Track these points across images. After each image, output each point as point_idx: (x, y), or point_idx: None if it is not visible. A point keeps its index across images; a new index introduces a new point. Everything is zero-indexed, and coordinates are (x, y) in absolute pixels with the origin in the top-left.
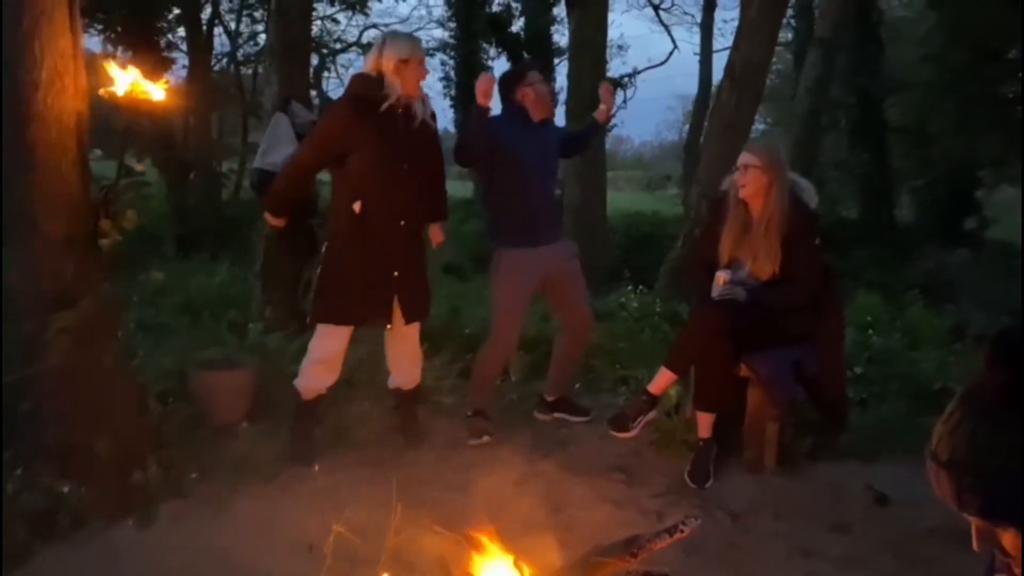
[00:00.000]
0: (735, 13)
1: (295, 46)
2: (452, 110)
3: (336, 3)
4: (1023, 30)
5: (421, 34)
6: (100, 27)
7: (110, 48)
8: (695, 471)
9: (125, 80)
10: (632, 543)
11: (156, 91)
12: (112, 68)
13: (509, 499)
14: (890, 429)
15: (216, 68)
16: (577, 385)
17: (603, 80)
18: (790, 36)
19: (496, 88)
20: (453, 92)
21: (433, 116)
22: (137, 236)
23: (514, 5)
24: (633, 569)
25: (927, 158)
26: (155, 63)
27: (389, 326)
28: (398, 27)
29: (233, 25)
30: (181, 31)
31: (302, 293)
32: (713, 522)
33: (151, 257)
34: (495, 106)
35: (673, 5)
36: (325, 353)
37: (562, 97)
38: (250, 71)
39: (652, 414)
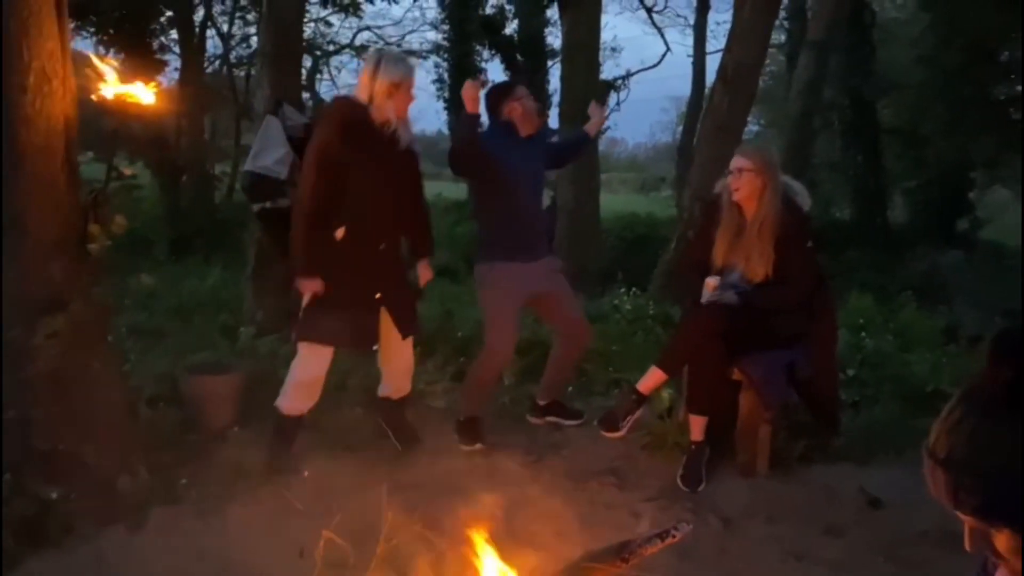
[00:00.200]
0: (728, 15)
1: (287, 49)
2: (446, 112)
3: (329, 6)
4: (1023, 33)
5: (414, 36)
6: (92, 30)
7: (102, 50)
8: (687, 475)
9: (115, 79)
10: (623, 548)
11: (146, 94)
12: (102, 66)
13: (501, 504)
14: (883, 431)
15: (209, 70)
16: (570, 388)
17: (597, 85)
18: (783, 38)
19: (483, 103)
20: (446, 94)
21: (414, 141)
22: (129, 239)
23: (507, 7)
24: (624, 575)
25: (920, 159)
26: (147, 66)
27: (376, 347)
28: (391, 29)
29: (226, 27)
30: (174, 33)
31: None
32: (705, 526)
33: (143, 260)
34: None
35: (666, 7)
36: (308, 375)
37: (555, 100)
38: (243, 73)
39: (639, 412)
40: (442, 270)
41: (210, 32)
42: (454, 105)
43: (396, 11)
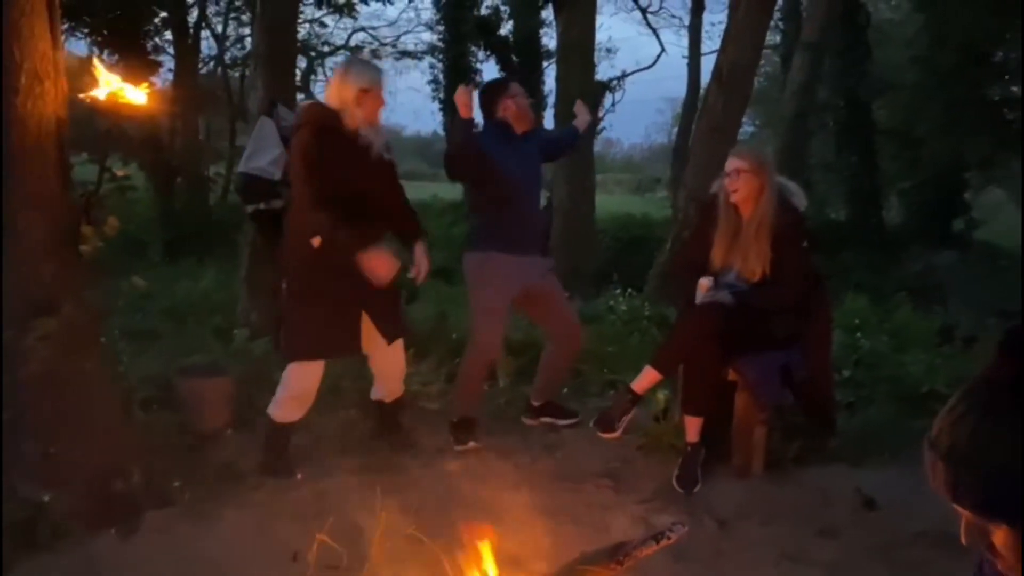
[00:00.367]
0: (723, 16)
1: (281, 51)
2: (441, 113)
3: (324, 7)
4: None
5: (410, 37)
6: (86, 31)
7: (96, 52)
8: (683, 476)
9: (110, 81)
10: (618, 550)
11: (138, 96)
12: (98, 69)
13: (495, 506)
14: (878, 432)
15: (203, 71)
16: (565, 390)
17: (592, 86)
18: (778, 39)
19: (477, 102)
20: (442, 95)
21: (388, 148)
22: (123, 240)
23: (503, 8)
24: None
25: (915, 160)
26: (142, 67)
27: (364, 352)
28: (386, 30)
29: (220, 28)
30: (168, 34)
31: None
32: (700, 528)
33: (137, 262)
34: (477, 115)
35: (661, 8)
36: (300, 389)
37: (551, 100)
38: (237, 74)
39: (634, 412)
40: (437, 271)
41: (205, 33)
42: (449, 106)
43: (391, 12)
